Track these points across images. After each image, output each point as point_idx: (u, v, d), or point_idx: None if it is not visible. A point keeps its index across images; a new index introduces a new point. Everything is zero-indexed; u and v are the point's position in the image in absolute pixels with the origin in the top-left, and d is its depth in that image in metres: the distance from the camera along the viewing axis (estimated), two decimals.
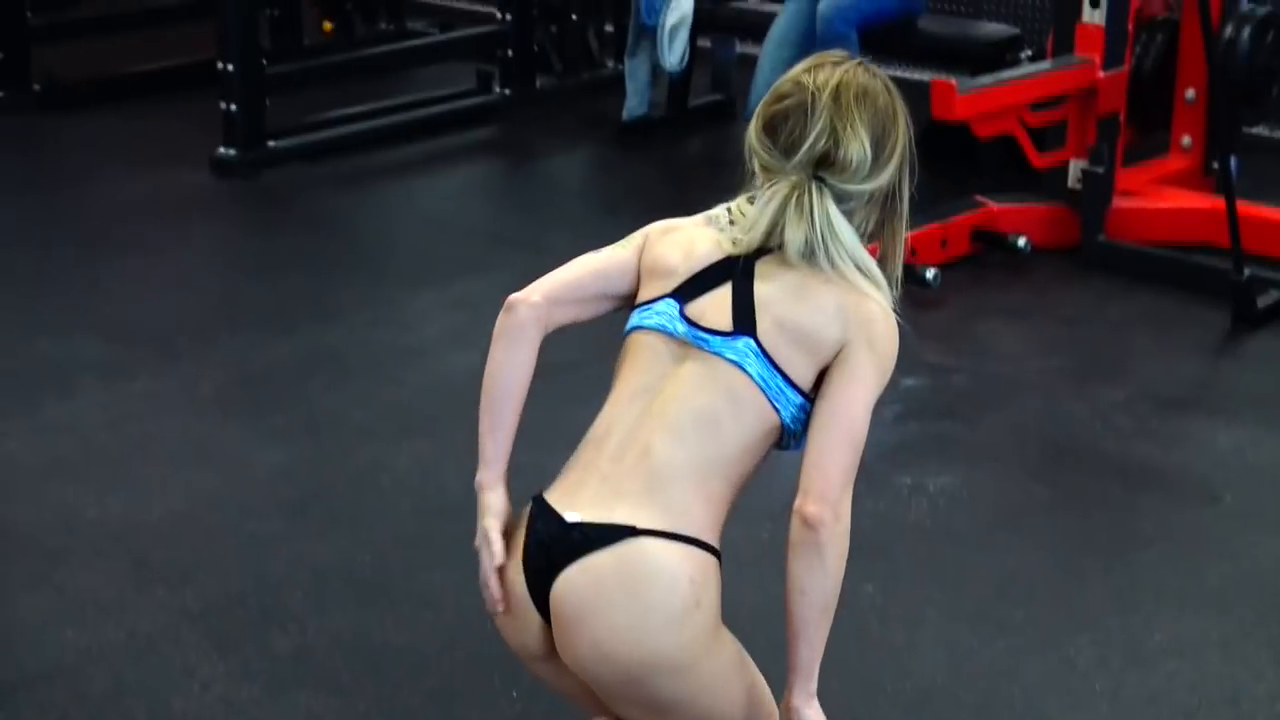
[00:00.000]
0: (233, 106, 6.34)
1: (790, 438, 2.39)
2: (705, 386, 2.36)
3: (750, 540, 3.66)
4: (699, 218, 2.54)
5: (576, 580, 2.30)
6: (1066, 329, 5.01)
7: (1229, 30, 5.47)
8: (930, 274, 5.07)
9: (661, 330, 2.41)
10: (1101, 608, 3.46)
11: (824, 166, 2.36)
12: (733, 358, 2.35)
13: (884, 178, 2.39)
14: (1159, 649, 3.31)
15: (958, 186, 5.75)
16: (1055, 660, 3.26)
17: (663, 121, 6.97)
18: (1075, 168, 5.44)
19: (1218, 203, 5.08)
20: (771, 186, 2.38)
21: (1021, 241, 5.37)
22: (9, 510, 3.83)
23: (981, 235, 5.44)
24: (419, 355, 4.72)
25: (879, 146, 2.37)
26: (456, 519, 3.66)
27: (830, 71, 2.39)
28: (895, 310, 2.41)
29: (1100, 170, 5.32)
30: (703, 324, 2.38)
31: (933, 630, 3.36)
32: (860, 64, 2.43)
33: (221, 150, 6.38)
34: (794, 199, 2.36)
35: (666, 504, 2.31)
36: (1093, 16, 5.29)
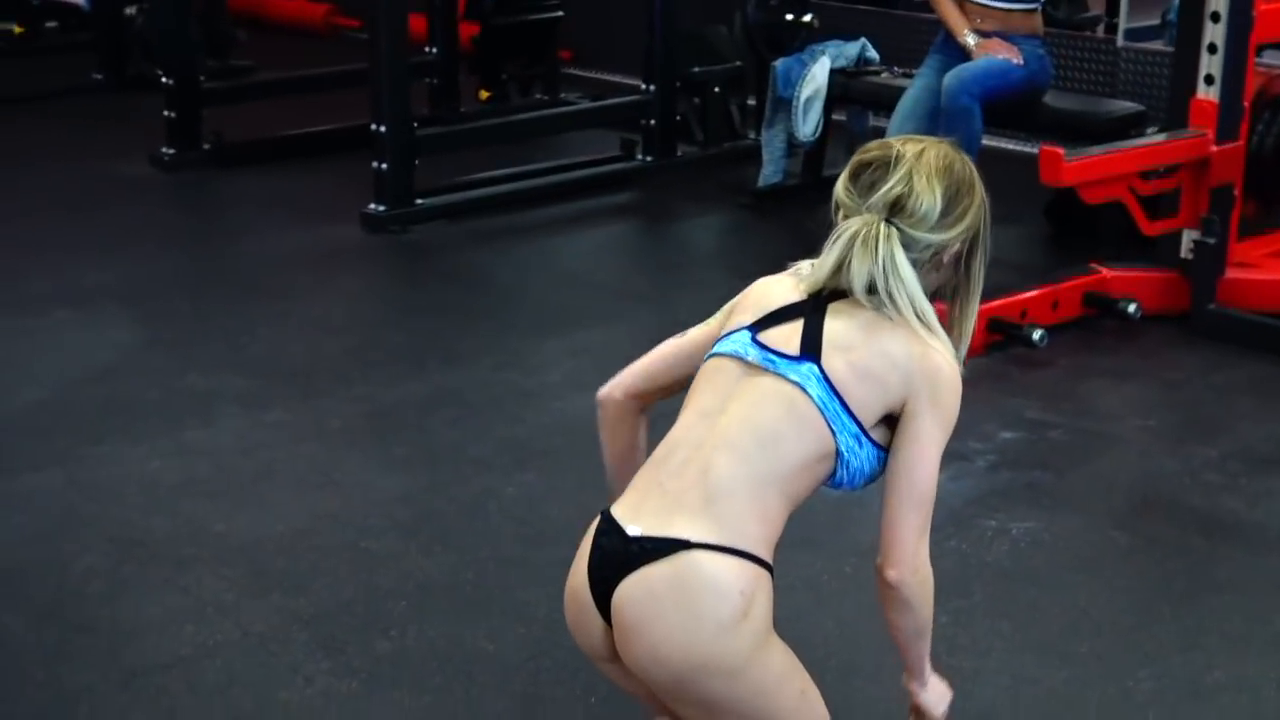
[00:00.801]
0: (384, 165, 6.68)
1: (844, 469, 2.57)
2: (768, 404, 2.55)
3: (834, 574, 3.85)
4: (784, 273, 2.77)
5: (634, 590, 2.49)
6: (1169, 392, 5.11)
7: None
8: (1037, 335, 5.21)
9: (734, 355, 2.62)
10: (1166, 646, 3.57)
11: (896, 212, 2.55)
12: (795, 379, 2.54)
13: (952, 234, 2.59)
14: (1217, 685, 3.41)
15: (1078, 255, 5.91)
16: (1114, 692, 3.38)
17: (797, 189, 7.19)
18: (1188, 236, 5.56)
19: None
20: (842, 225, 2.58)
21: (1132, 307, 5.50)
22: (146, 521, 4.13)
23: (1093, 299, 5.57)
24: (538, 397, 4.97)
25: (950, 204, 2.58)
26: (554, 545, 3.94)
27: (919, 143, 2.62)
28: (959, 363, 2.61)
29: (1212, 240, 5.43)
30: (772, 347, 2.59)
31: (998, 660, 3.50)
32: (952, 144, 2.66)
33: (371, 206, 6.72)
34: (862, 234, 2.55)
35: (721, 518, 2.49)
36: (1207, 92, 5.41)
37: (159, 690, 3.36)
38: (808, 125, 6.92)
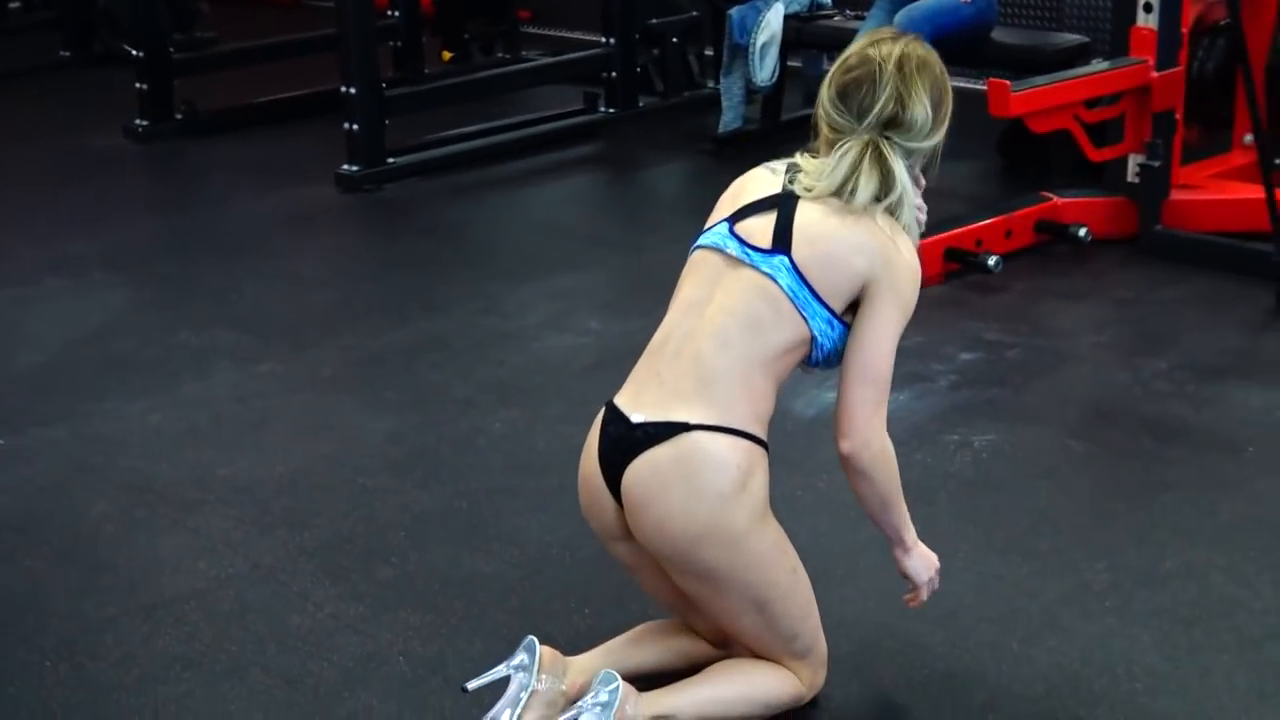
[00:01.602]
0: (355, 126, 6.88)
1: (818, 350, 2.85)
2: (748, 295, 2.82)
3: (808, 489, 4.07)
4: (760, 166, 3.01)
5: (641, 471, 2.78)
6: (1119, 309, 5.35)
7: None
8: (992, 261, 5.44)
9: (715, 247, 2.89)
10: (1121, 541, 3.80)
11: (892, 127, 2.82)
12: (767, 270, 2.81)
13: (940, 135, 2.88)
14: (1169, 573, 3.64)
15: (1032, 186, 6.13)
16: (1073, 583, 3.61)
17: (756, 134, 7.40)
18: (1133, 162, 5.79)
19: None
20: (843, 145, 2.83)
21: (1082, 231, 5.73)
22: (152, 468, 4.33)
23: (1045, 226, 5.81)
24: (518, 339, 5.18)
25: (937, 109, 2.86)
26: (542, 473, 4.17)
27: (891, 45, 2.86)
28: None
29: (1156, 164, 5.66)
30: (749, 241, 2.84)
31: (964, 559, 3.72)
32: (916, 38, 2.92)
33: (345, 167, 6.92)
34: (868, 155, 2.81)
35: (716, 401, 2.78)
36: (1146, 20, 5.63)
37: (178, 619, 3.57)
38: (764, 71, 7.13)
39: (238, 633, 3.51)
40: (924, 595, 3.13)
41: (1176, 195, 5.78)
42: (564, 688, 2.95)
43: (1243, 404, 4.54)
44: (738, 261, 2.84)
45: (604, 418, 2.89)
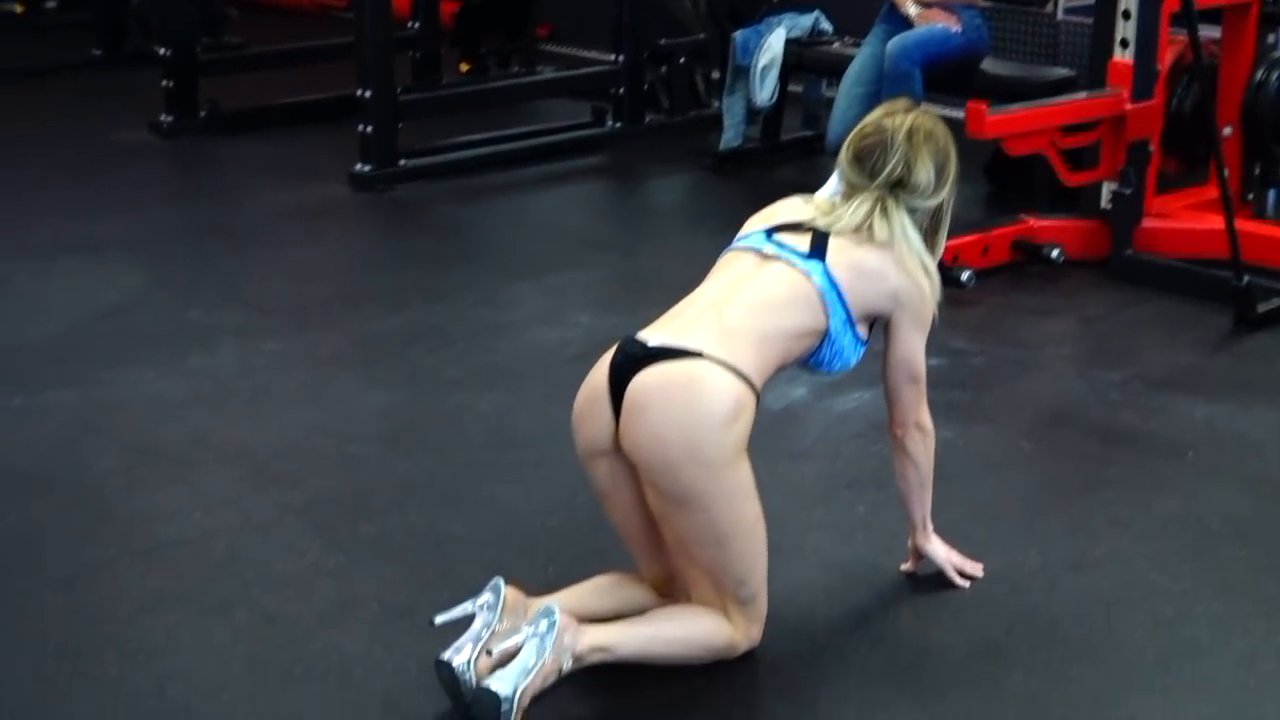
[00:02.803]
0: (369, 128, 7.16)
1: (829, 346, 3.28)
2: (778, 282, 3.26)
3: (770, 472, 4.33)
4: (793, 197, 3.52)
5: (650, 377, 3.13)
6: (1084, 326, 5.61)
7: (1259, 74, 6.11)
8: (965, 275, 5.70)
9: (750, 248, 3.35)
10: (1055, 530, 4.04)
11: (899, 187, 3.33)
12: (803, 268, 3.25)
13: (940, 196, 3.39)
14: (1096, 560, 3.89)
15: (1015, 206, 6.40)
16: (1005, 563, 3.83)
17: (755, 153, 7.68)
18: (1107, 188, 6.05)
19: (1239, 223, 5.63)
20: (858, 198, 3.34)
21: (1055, 252, 5.99)
22: (156, 430, 4.61)
23: (1021, 245, 6.07)
24: (510, 329, 5.46)
25: (940, 173, 3.37)
26: (522, 449, 4.45)
27: (904, 117, 3.38)
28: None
29: (1128, 191, 5.92)
30: (785, 242, 3.30)
31: (905, 540, 3.96)
32: (925, 112, 3.43)
33: (358, 166, 7.20)
34: (878, 208, 3.31)
35: (729, 348, 3.15)
36: (1123, 54, 5.90)
37: (171, 563, 3.84)
38: (764, 91, 7.42)
39: (226, 576, 3.79)
40: (950, 572, 3.65)
41: (1149, 222, 6.04)
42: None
43: (1188, 415, 4.78)
44: (773, 257, 3.29)
45: (621, 342, 3.24)
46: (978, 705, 3.27)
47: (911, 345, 3.39)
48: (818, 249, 3.27)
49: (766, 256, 3.29)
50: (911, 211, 3.34)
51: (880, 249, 3.29)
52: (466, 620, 3.25)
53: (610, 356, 3.22)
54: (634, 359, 3.16)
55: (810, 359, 3.32)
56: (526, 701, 3.07)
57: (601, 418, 3.19)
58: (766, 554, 3.30)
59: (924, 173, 3.32)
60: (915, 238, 3.34)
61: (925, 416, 3.51)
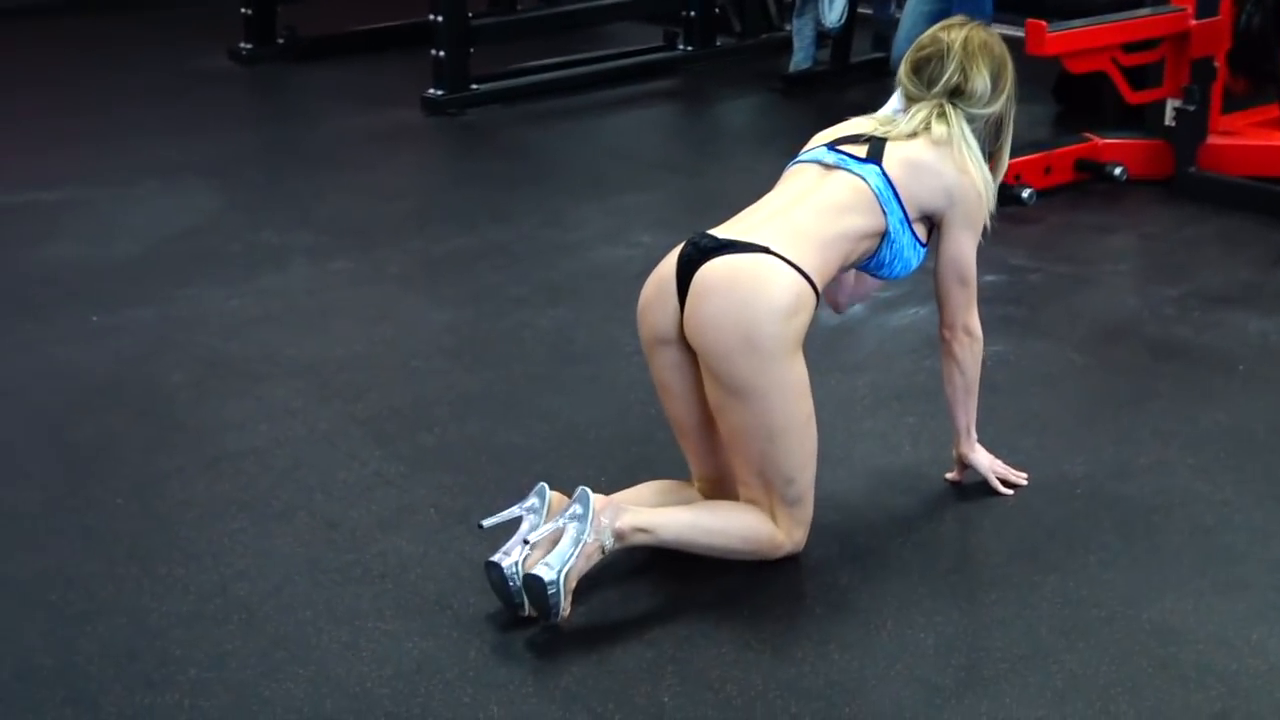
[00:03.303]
0: (441, 53, 7.27)
1: (888, 248, 3.40)
2: (838, 188, 3.38)
3: (822, 386, 4.42)
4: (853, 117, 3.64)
5: (718, 266, 3.25)
6: (1142, 243, 5.64)
7: None
8: (1026, 193, 5.74)
9: (813, 161, 3.48)
10: (1102, 440, 4.10)
11: (956, 95, 3.46)
12: (860, 173, 3.38)
13: (998, 105, 3.49)
14: (1140, 468, 3.94)
15: (1080, 126, 6.41)
16: (1050, 472, 3.91)
17: (825, 74, 7.72)
18: (1171, 106, 6.05)
19: None
20: (917, 106, 3.46)
21: (1118, 170, 6.01)
22: (226, 345, 4.76)
23: (1084, 164, 6.09)
24: (575, 248, 5.56)
25: (996, 81, 3.49)
26: (581, 363, 4.55)
27: (959, 30, 3.51)
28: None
29: (1192, 108, 5.92)
30: (845, 151, 3.43)
31: (952, 450, 4.05)
32: (980, 25, 3.56)
33: (430, 91, 7.31)
34: (935, 113, 3.44)
35: (795, 248, 3.27)
36: None
37: (238, 470, 3.98)
38: (834, 13, 7.45)
39: (289, 483, 3.92)
40: (993, 481, 3.75)
41: (1213, 140, 6.03)
42: None
43: (1241, 329, 4.81)
44: (834, 168, 3.41)
45: (691, 236, 3.35)
46: (1014, 606, 3.35)
47: (962, 245, 3.48)
48: (874, 155, 3.40)
49: (829, 167, 3.41)
50: (970, 121, 3.45)
51: (937, 147, 3.40)
52: (514, 523, 3.36)
53: (679, 249, 3.34)
54: (703, 250, 3.28)
55: (871, 261, 3.44)
56: (573, 583, 3.20)
57: (667, 305, 3.30)
58: (815, 456, 3.39)
59: (980, 81, 3.44)
60: (974, 143, 3.45)
61: (974, 322, 3.58)
